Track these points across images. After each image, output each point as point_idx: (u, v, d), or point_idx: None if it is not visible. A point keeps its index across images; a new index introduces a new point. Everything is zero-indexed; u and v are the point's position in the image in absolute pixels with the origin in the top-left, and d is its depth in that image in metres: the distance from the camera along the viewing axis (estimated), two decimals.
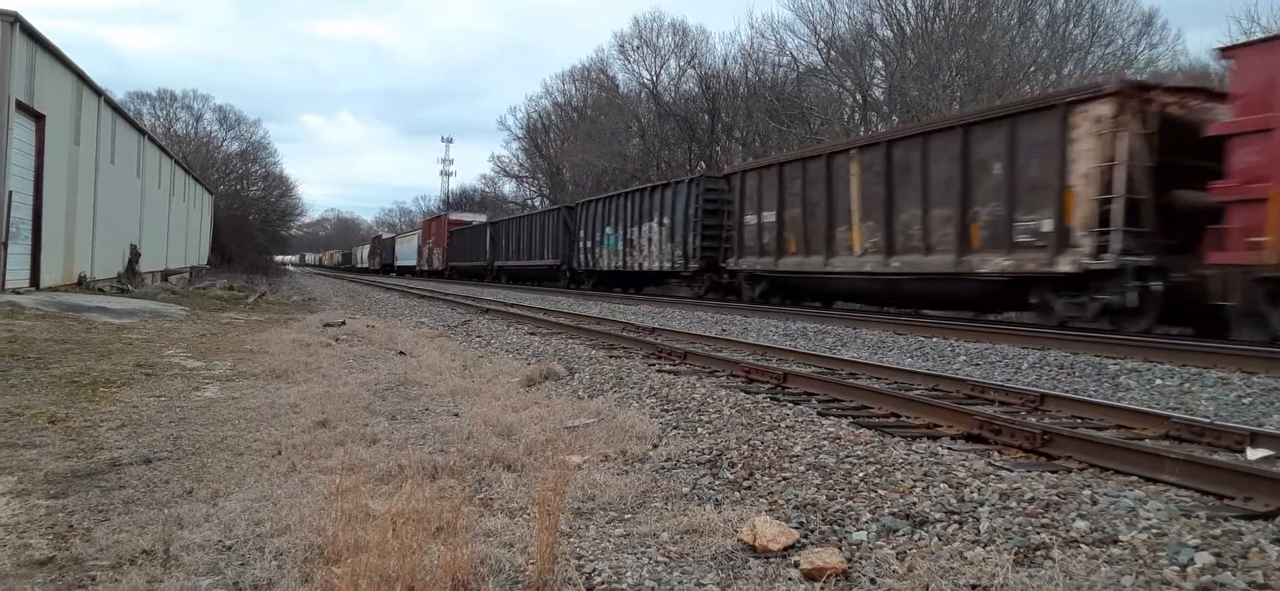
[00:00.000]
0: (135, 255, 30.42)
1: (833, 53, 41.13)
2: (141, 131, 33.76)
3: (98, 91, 25.08)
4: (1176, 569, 3.20)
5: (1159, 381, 8.33)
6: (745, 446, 5.30)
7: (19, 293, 17.69)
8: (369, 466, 4.95)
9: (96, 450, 5.40)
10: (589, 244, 32.55)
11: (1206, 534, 3.47)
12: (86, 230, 24.28)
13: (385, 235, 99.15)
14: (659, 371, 8.81)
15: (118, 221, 28.32)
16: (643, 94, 57.22)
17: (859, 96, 38.97)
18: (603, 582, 3.34)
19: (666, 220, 26.11)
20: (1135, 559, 3.31)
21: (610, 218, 30.43)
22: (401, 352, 11.19)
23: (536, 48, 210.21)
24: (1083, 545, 3.46)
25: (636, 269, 28.45)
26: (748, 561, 3.58)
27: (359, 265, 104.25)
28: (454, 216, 63.77)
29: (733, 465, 5.00)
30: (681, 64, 56.24)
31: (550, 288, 36.10)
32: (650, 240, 27.28)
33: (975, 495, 4.08)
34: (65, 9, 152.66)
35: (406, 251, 74.13)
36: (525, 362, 9.86)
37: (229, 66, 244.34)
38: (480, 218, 59.29)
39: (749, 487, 4.61)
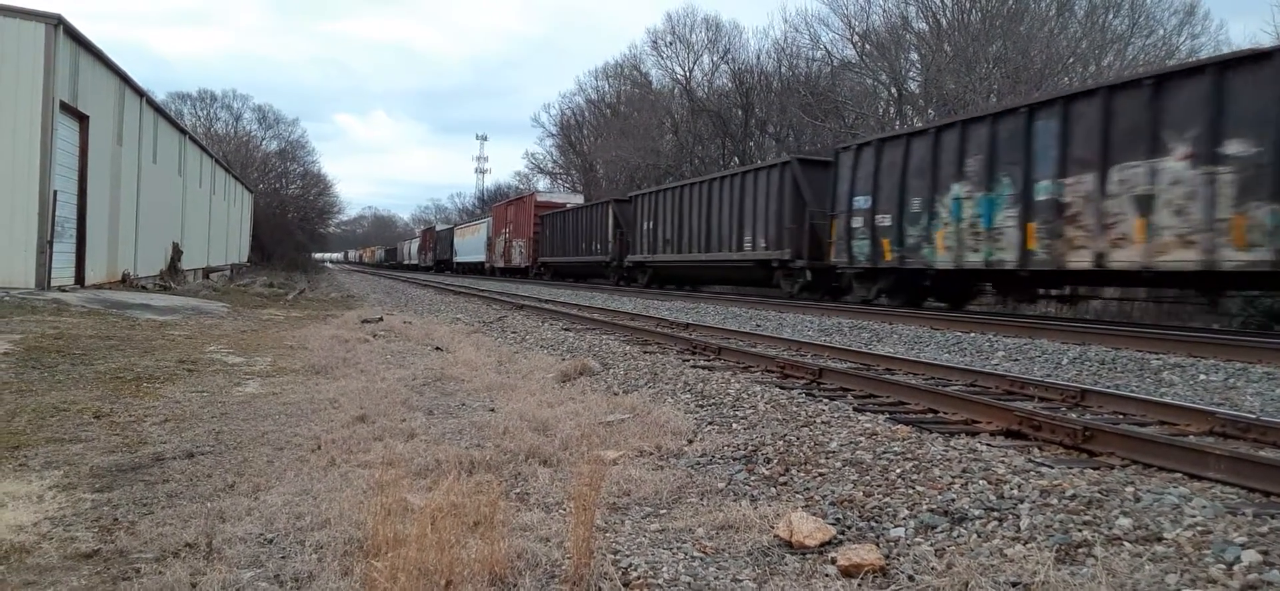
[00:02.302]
0: (177, 253, 30.90)
1: (867, 46, 40.81)
2: (183, 131, 34.27)
3: (140, 92, 25.49)
4: (1223, 567, 3.14)
5: (1203, 377, 8.18)
6: (781, 442, 5.28)
7: (64, 290, 18.04)
8: (407, 461, 4.99)
9: (140, 444, 5.50)
10: (882, 222, 17.58)
11: (1253, 531, 3.40)
12: (129, 229, 24.69)
13: (440, 226, 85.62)
14: (693, 367, 8.80)
15: (160, 220, 28.78)
16: (676, 90, 57.14)
17: (894, 90, 38.62)
18: (639, 578, 3.34)
19: (1245, 145, 11.22)
20: (1180, 557, 3.26)
21: (960, 164, 15.66)
22: (438, 348, 11.27)
23: (564, 45, 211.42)
24: (1126, 542, 3.41)
25: (1093, 265, 13.16)
26: (784, 557, 3.57)
27: (406, 262, 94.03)
28: (544, 197, 47.33)
29: (768, 461, 4.98)
30: (715, 59, 56.09)
31: (768, 298, 21.73)
32: (1151, 198, 12.30)
33: (1015, 492, 4.04)
34: (105, 12, 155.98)
35: (471, 245, 60.46)
36: (560, 358, 9.89)
37: (264, 67, 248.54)
38: (576, 198, 45.99)
39: (785, 483, 4.59)
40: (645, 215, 30.22)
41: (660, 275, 30.25)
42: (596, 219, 35.55)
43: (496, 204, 59.80)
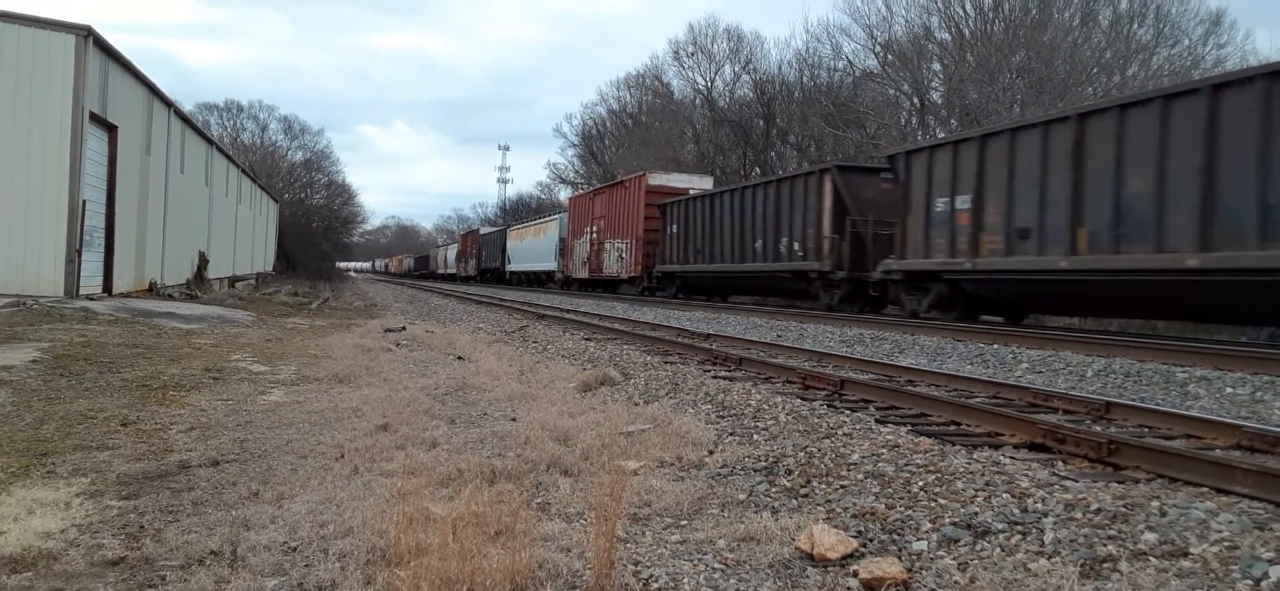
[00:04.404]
0: (204, 262, 31.17)
1: (889, 56, 40.77)
2: (210, 141, 34.61)
3: (168, 103, 25.77)
4: (1250, 583, 3.11)
5: (1229, 390, 8.09)
6: (802, 453, 5.27)
7: (92, 299, 18.24)
8: (429, 470, 5.02)
9: (166, 452, 5.55)
10: None
11: None
12: (157, 238, 24.95)
13: (485, 229, 72.10)
14: (714, 377, 8.79)
15: (187, 229, 29.06)
16: (697, 100, 57.29)
17: (916, 100, 38.51)
18: (660, 589, 3.34)
19: None
20: (1206, 572, 3.22)
21: None
22: (460, 358, 11.32)
23: (583, 56, 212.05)
24: (1151, 557, 3.38)
25: None
26: (806, 570, 3.56)
27: (440, 271, 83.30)
28: (658, 181, 32.15)
29: (789, 472, 4.97)
30: (736, 69, 56.23)
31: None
32: None
33: (1039, 505, 4.01)
34: (132, 24, 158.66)
35: (532, 250, 47.16)
36: (581, 368, 9.91)
37: (289, 78, 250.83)
38: (701, 181, 32.53)
39: (806, 495, 4.58)
40: (941, 186, 16.26)
41: (989, 297, 16.39)
42: (790, 202, 21.55)
43: (579, 195, 44.57)
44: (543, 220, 49.25)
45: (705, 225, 26.40)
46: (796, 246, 21.31)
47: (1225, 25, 35.47)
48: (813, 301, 21.38)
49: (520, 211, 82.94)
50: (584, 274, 36.94)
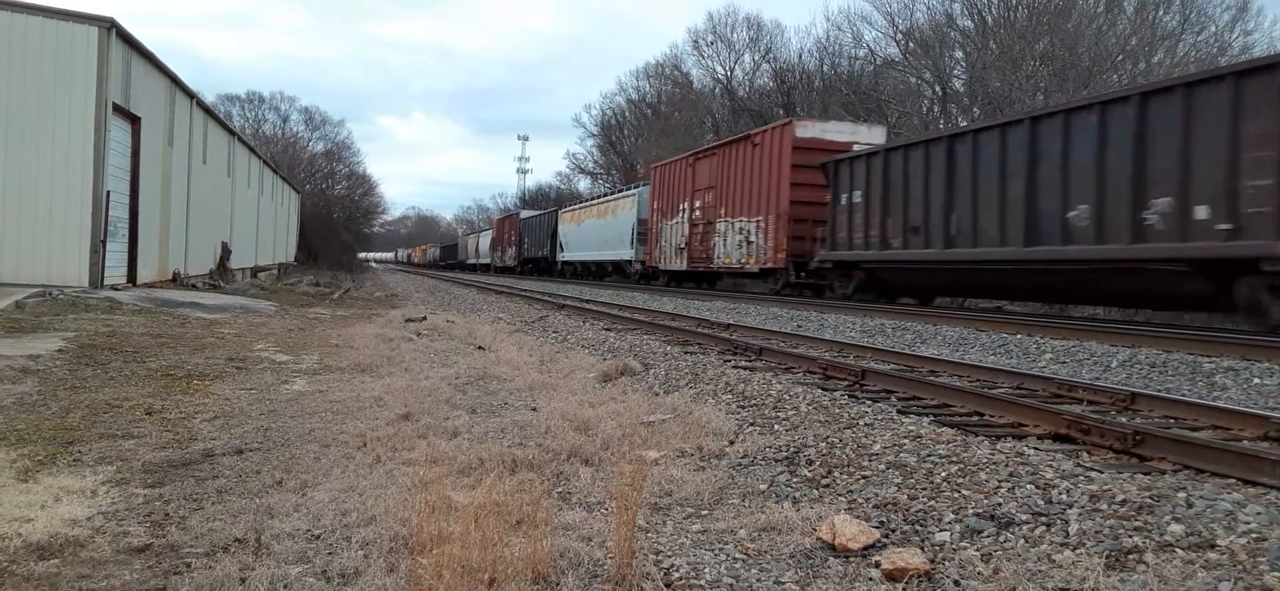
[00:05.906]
0: (226, 252, 31.40)
1: (911, 44, 40.50)
2: (231, 132, 34.81)
3: (190, 94, 25.93)
4: (1278, 575, 3.07)
5: (1257, 380, 7.99)
6: (823, 444, 5.25)
7: (117, 289, 18.41)
8: (451, 459, 5.04)
9: (191, 441, 5.60)
10: None
11: None
12: (180, 228, 25.15)
13: (527, 212, 60.45)
14: (735, 368, 8.77)
15: (209, 220, 29.27)
16: (716, 89, 57.18)
17: (938, 89, 38.25)
18: (681, 578, 3.34)
19: None
20: (1234, 564, 3.19)
21: None
22: (480, 347, 11.35)
23: (601, 46, 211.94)
24: (1178, 549, 3.34)
25: None
26: (827, 560, 3.55)
27: (470, 261, 73.85)
28: (810, 132, 22.37)
29: (811, 463, 4.96)
30: (756, 58, 56.07)
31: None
32: None
33: (1064, 496, 3.98)
34: (151, 16, 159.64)
35: (596, 235, 37.91)
36: (601, 358, 9.92)
37: (306, 68, 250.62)
38: (872, 134, 23.19)
39: (827, 486, 4.56)
40: None
41: None
42: (1179, 133, 11.71)
43: (664, 162, 32.05)
44: (611, 197, 39.49)
45: (932, 187, 16.58)
46: (1203, 212, 11.53)
47: (1252, 11, 35.00)
48: (1239, 315, 11.96)
49: (539, 200, 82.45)
50: (680, 265, 28.09)
